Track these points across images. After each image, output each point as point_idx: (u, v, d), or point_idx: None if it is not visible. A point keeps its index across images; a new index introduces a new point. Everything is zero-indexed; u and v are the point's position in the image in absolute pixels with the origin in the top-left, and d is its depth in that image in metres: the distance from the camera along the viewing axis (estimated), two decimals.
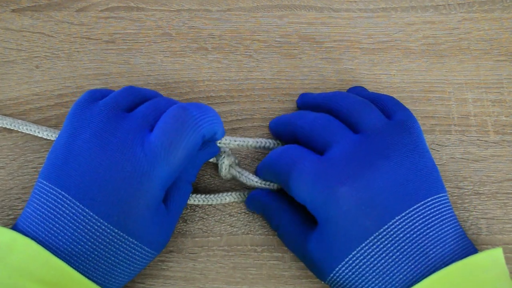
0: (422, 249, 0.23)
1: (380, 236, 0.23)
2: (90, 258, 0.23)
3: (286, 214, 0.27)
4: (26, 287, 0.22)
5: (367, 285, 0.24)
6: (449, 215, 0.24)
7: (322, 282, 0.28)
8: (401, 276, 0.23)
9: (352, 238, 0.24)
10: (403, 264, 0.23)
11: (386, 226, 0.23)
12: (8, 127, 0.31)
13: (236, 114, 0.32)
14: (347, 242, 0.24)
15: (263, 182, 0.28)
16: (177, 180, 0.27)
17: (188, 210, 0.30)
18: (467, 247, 0.24)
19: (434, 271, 0.23)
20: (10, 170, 0.31)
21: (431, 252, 0.23)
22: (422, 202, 0.24)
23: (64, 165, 0.24)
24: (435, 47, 0.34)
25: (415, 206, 0.23)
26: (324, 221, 0.24)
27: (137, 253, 0.24)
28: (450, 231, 0.24)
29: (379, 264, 0.23)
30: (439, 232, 0.23)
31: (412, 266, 0.23)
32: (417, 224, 0.23)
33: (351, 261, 0.24)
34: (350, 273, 0.24)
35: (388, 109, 0.27)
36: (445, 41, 0.34)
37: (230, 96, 0.33)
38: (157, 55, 0.34)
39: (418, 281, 0.23)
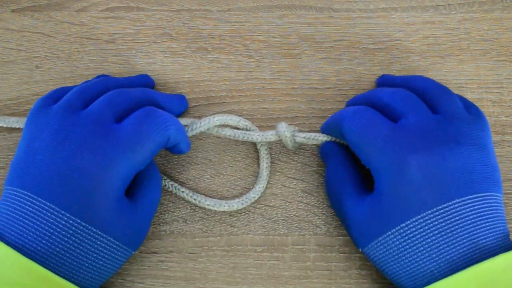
0: (473, 237, 0.23)
1: (437, 213, 0.24)
2: (56, 253, 0.23)
3: (346, 170, 0.28)
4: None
5: (411, 258, 0.24)
6: (501, 213, 0.25)
7: (322, 282, 0.28)
8: (448, 257, 0.23)
9: (409, 207, 0.24)
10: (452, 246, 0.23)
11: (445, 205, 0.23)
12: (15, 126, 0.31)
13: (236, 114, 0.32)
14: (403, 211, 0.24)
15: (333, 139, 0.29)
16: (144, 177, 0.27)
17: (188, 210, 0.30)
18: (510, 246, 0.24)
19: (480, 260, 0.23)
20: None
21: (480, 242, 0.23)
22: (483, 194, 0.24)
23: (25, 167, 0.24)
24: (435, 47, 0.34)
25: (475, 195, 0.24)
26: (385, 185, 0.25)
27: (104, 245, 0.24)
28: (500, 227, 0.24)
29: (429, 240, 0.24)
30: (491, 226, 0.24)
31: (461, 251, 0.23)
32: (473, 212, 0.24)
33: (402, 230, 0.24)
34: (398, 242, 0.24)
35: (464, 103, 0.27)
36: (445, 41, 0.34)
37: (230, 96, 0.33)
38: (157, 55, 0.34)
39: (463, 267, 0.23)
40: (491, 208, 0.24)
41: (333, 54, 0.34)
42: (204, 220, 0.30)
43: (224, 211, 0.30)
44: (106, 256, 0.25)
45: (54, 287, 0.23)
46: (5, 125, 0.31)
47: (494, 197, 0.24)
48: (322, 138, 0.29)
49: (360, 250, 0.27)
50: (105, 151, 0.24)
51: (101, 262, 0.24)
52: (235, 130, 0.30)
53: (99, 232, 0.24)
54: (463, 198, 0.24)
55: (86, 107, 0.26)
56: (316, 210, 0.30)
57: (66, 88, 0.28)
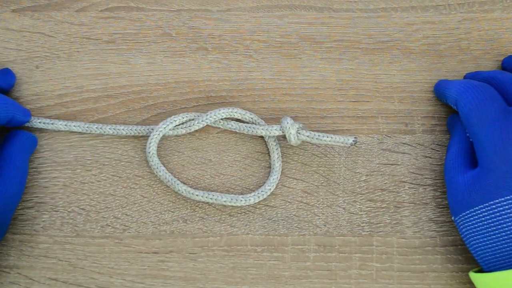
0: None
1: None
2: None
3: (462, 142, 0.29)
4: None
5: (499, 235, 0.25)
6: None
7: (322, 282, 0.28)
8: None
9: (505, 186, 0.25)
10: None
11: None
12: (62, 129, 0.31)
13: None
14: (499, 188, 0.25)
15: (335, 139, 0.29)
16: (4, 174, 0.28)
17: (188, 210, 0.30)
18: None
19: None
20: None
21: None
22: None
23: None
24: (435, 47, 0.34)
25: None
26: (486, 160, 0.26)
27: None
28: None
29: None
30: None
31: None
32: None
33: (494, 206, 0.25)
34: (488, 217, 0.25)
35: None
36: (445, 41, 0.34)
37: (230, 96, 0.33)
38: (157, 55, 0.34)
39: None
40: None
41: (333, 54, 0.34)
42: (204, 220, 0.30)
43: (224, 212, 0.30)
44: None
45: None
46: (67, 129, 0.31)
47: None
48: (326, 139, 0.29)
49: (452, 218, 0.28)
50: None
51: None
52: (240, 124, 0.30)
53: None
54: None
55: None
56: (316, 210, 0.30)
57: None
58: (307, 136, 0.29)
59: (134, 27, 0.34)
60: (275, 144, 0.31)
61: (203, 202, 0.30)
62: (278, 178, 0.30)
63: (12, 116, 0.29)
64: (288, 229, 0.30)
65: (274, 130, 0.29)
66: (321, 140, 0.29)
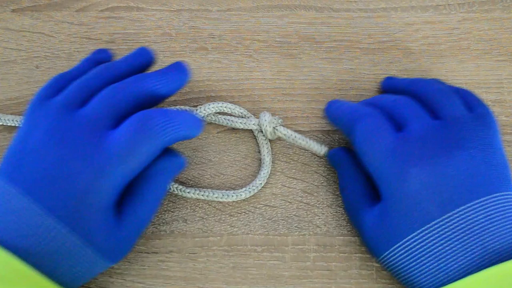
0: (481, 242, 0.23)
1: (441, 223, 0.23)
2: (35, 253, 0.23)
3: (355, 180, 0.28)
4: None
5: (420, 269, 0.24)
6: None
7: (322, 282, 0.28)
8: (456, 265, 0.23)
9: (413, 220, 0.24)
10: (459, 254, 0.23)
11: (450, 214, 0.23)
12: (10, 124, 0.31)
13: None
14: (407, 224, 0.24)
15: (310, 145, 0.29)
16: (142, 194, 0.26)
17: (188, 210, 0.30)
18: None
19: (490, 265, 0.23)
20: None
21: (489, 246, 0.23)
22: (489, 196, 0.24)
23: (17, 162, 0.24)
24: (435, 47, 0.34)
25: (482, 199, 0.23)
26: (388, 197, 0.25)
27: (83, 255, 0.24)
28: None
29: (436, 251, 0.24)
30: (501, 228, 0.23)
31: (469, 258, 0.23)
32: (480, 216, 0.23)
33: (408, 242, 0.24)
34: (406, 254, 0.24)
35: (469, 102, 0.27)
36: (445, 41, 0.34)
37: (230, 96, 0.33)
38: (157, 55, 0.34)
39: (473, 273, 0.23)
40: (499, 209, 0.23)
41: (333, 54, 0.34)
42: (204, 220, 0.30)
43: (225, 212, 0.30)
44: (84, 264, 0.24)
45: (33, 284, 0.22)
46: (0, 123, 0.31)
47: (503, 197, 0.24)
48: (301, 142, 0.29)
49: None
50: (97, 159, 0.24)
51: (78, 269, 0.24)
52: (219, 116, 0.31)
53: (80, 241, 0.24)
54: (468, 205, 0.23)
55: (84, 103, 0.26)
56: (316, 210, 0.30)
57: (68, 74, 0.28)
58: (284, 134, 0.30)
59: (134, 27, 0.34)
60: (264, 139, 0.31)
61: (194, 199, 0.30)
62: (269, 172, 0.30)
63: (181, 136, 0.26)
64: (288, 229, 0.30)
65: (251, 124, 0.30)
66: (296, 141, 0.30)
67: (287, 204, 0.30)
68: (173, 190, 0.30)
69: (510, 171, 0.25)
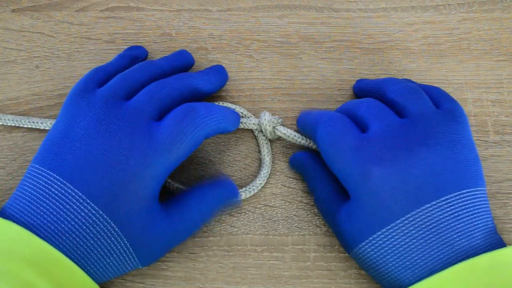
0: (447, 240, 0.23)
1: (406, 222, 0.23)
2: (72, 238, 0.23)
3: (323, 180, 0.28)
4: (9, 266, 0.22)
5: (387, 266, 0.24)
6: (482, 209, 0.24)
7: (322, 282, 0.28)
8: (422, 263, 0.23)
9: (378, 219, 0.24)
10: (425, 252, 0.23)
11: (414, 213, 0.23)
12: (10, 124, 0.31)
13: None
14: (373, 222, 0.24)
15: (310, 144, 0.29)
16: (191, 206, 0.27)
17: None
18: (495, 243, 0.23)
19: (457, 263, 0.23)
20: (10, 170, 0.31)
21: (456, 244, 0.23)
22: (455, 194, 0.23)
23: (60, 150, 0.24)
24: (435, 47, 0.34)
25: (447, 197, 0.23)
26: (354, 196, 0.25)
27: (117, 246, 0.24)
28: (480, 225, 0.23)
29: (401, 249, 0.24)
30: (468, 225, 0.23)
31: (435, 256, 0.23)
32: (446, 214, 0.23)
33: (374, 241, 0.24)
34: (372, 252, 0.24)
35: (437, 98, 0.27)
36: (445, 41, 0.34)
37: (230, 96, 0.33)
38: (157, 55, 0.34)
39: (440, 271, 0.23)
40: (466, 206, 0.23)
41: (333, 54, 0.34)
42: None
43: (224, 212, 0.30)
44: (115, 256, 0.24)
45: (64, 269, 0.23)
46: (0, 123, 0.31)
47: (471, 193, 0.24)
48: (301, 141, 0.30)
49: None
50: (143, 149, 0.24)
51: (108, 260, 0.24)
52: None
53: (117, 230, 0.24)
54: (433, 203, 0.23)
55: (128, 97, 0.26)
56: (316, 210, 0.30)
57: (106, 68, 0.28)
58: (284, 134, 0.30)
59: (134, 27, 0.34)
60: (264, 139, 0.31)
61: None
62: (269, 172, 0.30)
63: (221, 128, 0.27)
64: (288, 229, 0.30)
65: (251, 124, 0.30)
66: (296, 141, 0.30)
67: (287, 204, 0.30)
68: (173, 190, 0.30)
69: (480, 166, 0.25)
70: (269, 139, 0.31)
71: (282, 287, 0.29)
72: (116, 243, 0.24)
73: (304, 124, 0.29)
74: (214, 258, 0.29)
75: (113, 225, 0.24)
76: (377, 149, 0.24)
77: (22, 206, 0.23)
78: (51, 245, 0.23)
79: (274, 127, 0.30)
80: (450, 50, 0.34)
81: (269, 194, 0.30)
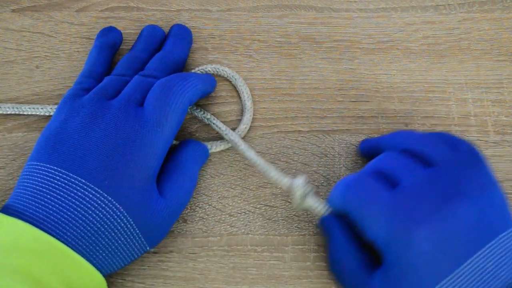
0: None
1: (454, 278, 0.22)
2: (78, 225, 0.23)
3: (351, 248, 0.26)
4: (17, 263, 0.22)
5: None
6: None
7: (322, 282, 0.28)
8: None
9: (424, 280, 0.22)
10: None
11: (461, 268, 0.22)
12: (10, 112, 0.31)
13: (236, 114, 0.32)
14: (418, 285, 0.22)
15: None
16: (178, 180, 0.28)
17: (188, 210, 0.30)
18: None
19: None
20: (10, 170, 0.31)
21: None
22: (495, 240, 0.23)
23: (56, 145, 0.25)
24: (435, 47, 0.34)
25: (488, 245, 0.22)
26: (394, 260, 0.23)
27: (124, 228, 0.24)
28: None
29: None
30: (510, 271, 0.23)
31: None
32: (490, 263, 0.22)
33: None
34: None
35: (451, 142, 0.26)
36: (445, 41, 0.34)
37: (230, 96, 0.33)
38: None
39: None
40: (506, 250, 0.23)
41: (333, 54, 0.34)
42: (204, 220, 0.30)
43: (224, 212, 0.30)
44: (122, 239, 0.25)
45: (71, 264, 0.23)
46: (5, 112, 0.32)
47: (507, 236, 0.23)
48: (324, 212, 0.27)
49: None
50: (136, 130, 0.26)
51: (116, 244, 0.25)
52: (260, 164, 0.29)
53: (123, 211, 0.24)
54: (478, 254, 0.22)
55: (117, 94, 0.28)
56: None
57: (91, 71, 0.30)
58: (311, 205, 0.27)
59: (134, 27, 0.34)
60: (243, 84, 0.32)
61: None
62: (252, 116, 0.31)
63: (199, 90, 0.29)
64: (288, 229, 0.30)
65: (284, 183, 0.27)
66: (320, 212, 0.27)
67: (287, 204, 0.30)
68: (202, 119, 0.31)
69: (508, 205, 0.24)
70: (246, 85, 0.32)
71: (282, 287, 0.29)
72: (122, 224, 0.24)
73: (333, 204, 0.26)
74: (214, 258, 0.29)
75: (118, 206, 0.24)
76: (414, 205, 0.23)
77: (25, 200, 0.24)
78: (58, 235, 0.23)
79: (301, 195, 0.27)
80: (450, 50, 0.34)
81: (269, 194, 0.30)
